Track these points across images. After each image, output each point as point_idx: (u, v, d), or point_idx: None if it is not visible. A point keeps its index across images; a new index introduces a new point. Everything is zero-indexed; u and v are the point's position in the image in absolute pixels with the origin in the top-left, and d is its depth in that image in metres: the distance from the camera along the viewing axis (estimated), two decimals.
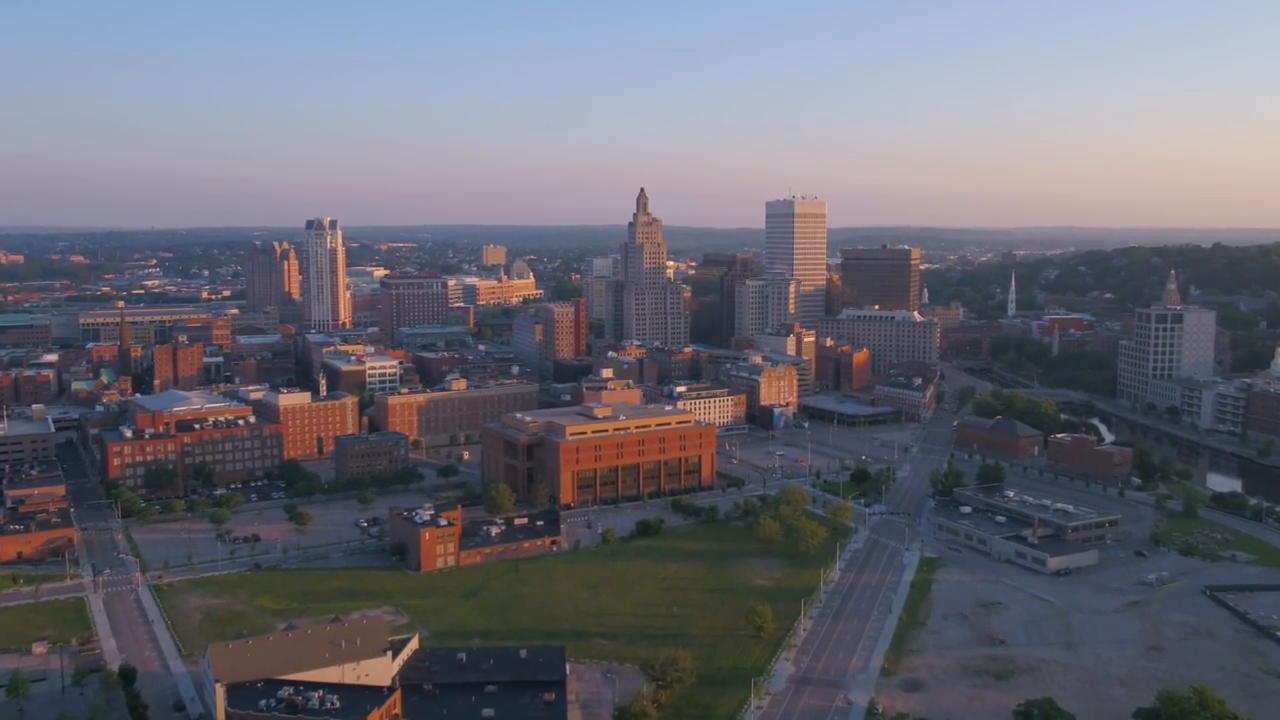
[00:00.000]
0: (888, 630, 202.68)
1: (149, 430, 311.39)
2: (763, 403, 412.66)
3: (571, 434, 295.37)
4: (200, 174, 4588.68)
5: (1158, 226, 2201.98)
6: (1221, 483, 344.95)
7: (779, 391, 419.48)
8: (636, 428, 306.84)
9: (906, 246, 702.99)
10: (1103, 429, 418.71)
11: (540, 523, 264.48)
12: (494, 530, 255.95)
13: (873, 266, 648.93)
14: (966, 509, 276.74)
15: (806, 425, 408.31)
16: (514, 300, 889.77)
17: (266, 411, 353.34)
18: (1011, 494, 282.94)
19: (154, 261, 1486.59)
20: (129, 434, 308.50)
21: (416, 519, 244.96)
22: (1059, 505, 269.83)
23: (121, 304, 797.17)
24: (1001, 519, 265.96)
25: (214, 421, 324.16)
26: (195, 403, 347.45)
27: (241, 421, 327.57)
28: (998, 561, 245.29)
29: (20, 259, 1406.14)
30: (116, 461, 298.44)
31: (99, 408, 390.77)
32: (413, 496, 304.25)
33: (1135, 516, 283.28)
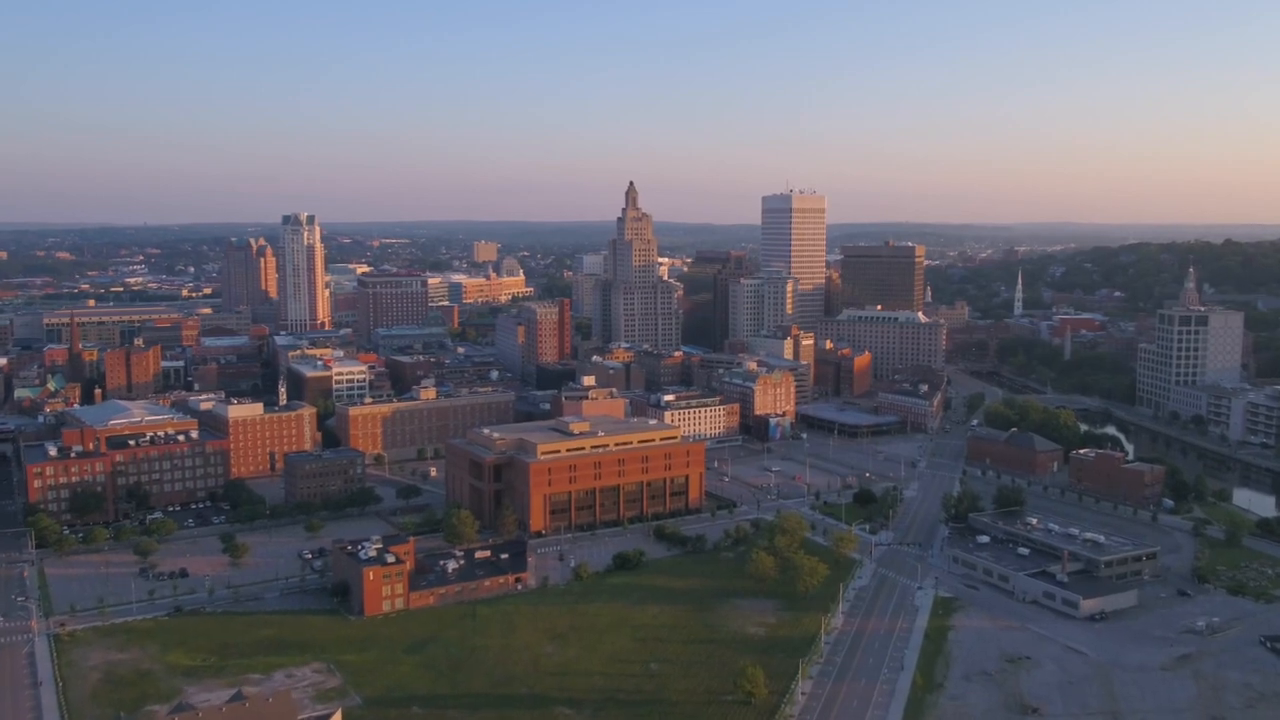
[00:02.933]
0: (900, 694, 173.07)
1: (76, 447, 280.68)
2: (757, 412, 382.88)
3: (543, 453, 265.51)
4: (196, 170, 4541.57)
5: (1160, 222, 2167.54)
6: (1255, 501, 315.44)
7: (775, 400, 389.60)
8: (617, 445, 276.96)
9: (910, 243, 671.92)
10: (1120, 439, 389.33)
11: (504, 556, 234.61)
12: (451, 566, 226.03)
13: (874, 264, 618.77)
14: (984, 538, 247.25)
15: (804, 436, 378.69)
16: (502, 298, 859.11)
17: (215, 424, 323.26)
18: (1034, 521, 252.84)
19: (140, 258, 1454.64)
20: (53, 451, 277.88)
21: (360, 555, 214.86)
22: (1088, 535, 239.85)
23: (92, 302, 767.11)
24: (1024, 551, 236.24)
25: (151, 437, 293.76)
26: (135, 415, 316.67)
27: (183, 437, 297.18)
28: (1022, 603, 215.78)
29: (3, 255, 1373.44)
30: (37, 484, 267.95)
31: (40, 418, 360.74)
32: (368, 521, 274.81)
33: (1172, 545, 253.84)
